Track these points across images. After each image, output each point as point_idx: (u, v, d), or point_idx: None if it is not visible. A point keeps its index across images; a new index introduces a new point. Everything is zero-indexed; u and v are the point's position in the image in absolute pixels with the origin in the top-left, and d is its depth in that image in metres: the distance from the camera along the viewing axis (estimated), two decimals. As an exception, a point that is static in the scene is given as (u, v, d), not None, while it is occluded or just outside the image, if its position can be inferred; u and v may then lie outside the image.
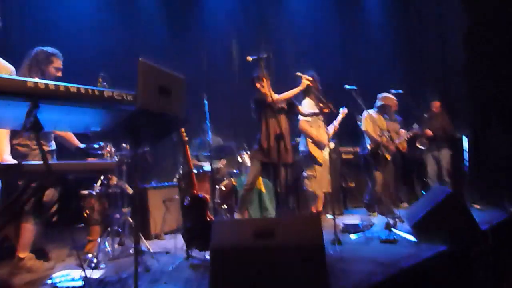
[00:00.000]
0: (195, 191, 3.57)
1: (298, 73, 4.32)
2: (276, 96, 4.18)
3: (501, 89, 6.40)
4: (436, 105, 6.64)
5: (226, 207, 5.05)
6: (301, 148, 5.17)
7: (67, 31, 5.53)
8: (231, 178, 5.35)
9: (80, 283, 2.89)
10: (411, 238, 3.94)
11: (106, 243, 3.71)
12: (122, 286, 2.81)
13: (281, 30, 7.59)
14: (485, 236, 3.89)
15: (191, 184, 3.59)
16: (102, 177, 3.76)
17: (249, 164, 5.06)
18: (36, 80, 1.80)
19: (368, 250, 3.71)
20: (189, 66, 6.50)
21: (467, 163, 6.31)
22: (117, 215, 3.84)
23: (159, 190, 4.96)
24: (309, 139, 4.93)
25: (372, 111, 5.54)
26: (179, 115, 2.39)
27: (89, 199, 3.73)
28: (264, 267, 2.49)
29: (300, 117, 4.89)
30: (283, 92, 4.29)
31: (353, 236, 4.27)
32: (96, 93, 1.96)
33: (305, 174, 5.06)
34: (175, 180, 5.37)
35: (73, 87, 1.88)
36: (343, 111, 5.16)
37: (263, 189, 5.15)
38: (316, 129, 4.99)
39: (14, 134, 3.12)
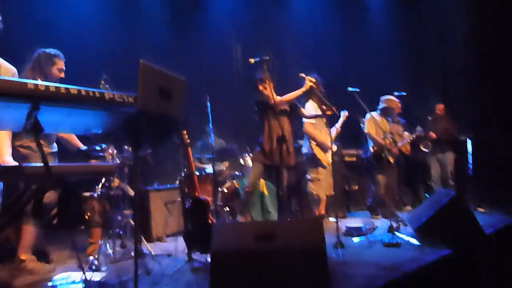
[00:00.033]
0: (196, 194, 3.56)
1: (302, 74, 4.30)
2: (278, 98, 4.17)
3: (503, 90, 6.37)
4: (440, 107, 6.61)
5: (228, 209, 5.04)
6: (304, 150, 5.15)
7: (67, 31, 5.53)
8: (234, 181, 5.34)
9: (80, 285, 2.88)
10: (414, 241, 3.91)
11: (108, 245, 3.70)
12: (122, 289, 2.80)
13: (283, 31, 7.59)
14: (489, 239, 3.85)
15: (193, 186, 3.58)
16: (103, 179, 3.76)
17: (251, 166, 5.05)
18: (37, 81, 1.80)
19: (370, 253, 3.68)
20: (192, 68, 6.52)
21: (471, 166, 6.26)
22: (119, 217, 3.83)
23: (161, 192, 4.95)
24: (314, 142, 4.92)
25: (375, 114, 5.52)
26: (180, 117, 2.38)
27: (91, 201, 3.73)
28: (265, 270, 2.47)
29: (304, 119, 4.88)
30: (285, 94, 4.28)
31: (355, 240, 4.24)
32: (97, 95, 1.95)
33: (308, 176, 5.04)
34: (177, 182, 5.36)
35: (73, 89, 1.88)
36: (344, 114, 5.14)
37: (266, 192, 5.13)
38: (319, 131, 4.98)
39: (16, 136, 3.12)
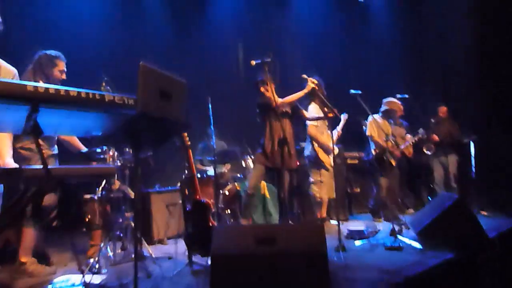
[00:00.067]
0: (197, 196, 3.54)
1: (304, 76, 4.28)
2: (279, 100, 4.15)
3: (504, 90, 6.35)
4: (443, 110, 6.59)
5: (229, 212, 5.02)
6: (307, 153, 5.13)
7: (68, 31, 5.52)
8: (235, 183, 5.32)
9: (80, 288, 2.87)
10: (417, 245, 3.88)
11: (108, 248, 3.69)
12: (122, 292, 2.78)
13: (284, 32, 7.59)
14: (492, 243, 3.82)
15: (194, 189, 3.57)
16: (104, 182, 3.75)
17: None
18: (36, 83, 1.79)
19: (372, 257, 3.65)
20: (193, 69, 6.52)
21: (474, 169, 6.22)
22: (120, 220, 3.82)
23: (163, 195, 4.94)
24: (317, 144, 4.91)
25: (377, 116, 5.50)
26: (180, 119, 2.37)
27: (91, 204, 3.73)
28: (265, 274, 2.45)
29: (308, 122, 4.87)
30: (286, 96, 4.26)
31: (357, 243, 4.21)
32: (97, 97, 1.94)
33: (311, 179, 5.02)
34: (178, 184, 5.34)
35: (73, 91, 1.87)
36: (344, 117, 5.13)
37: (267, 194, 5.12)
38: (321, 134, 4.97)
39: (17, 138, 3.12)
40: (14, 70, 2.90)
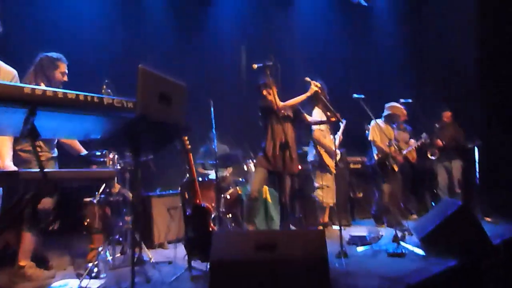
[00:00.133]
0: (197, 201, 3.52)
1: (307, 79, 4.25)
2: (281, 103, 4.12)
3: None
4: (447, 115, 6.54)
5: (231, 216, 4.99)
6: (310, 158, 5.10)
7: (68, 32, 5.49)
8: (237, 187, 5.29)
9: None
10: (420, 251, 3.83)
11: (108, 252, 3.66)
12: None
13: (287, 36, 7.56)
14: (496, 249, 3.77)
15: (194, 193, 3.54)
16: (104, 185, 3.73)
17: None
18: (34, 86, 1.77)
19: (375, 263, 3.61)
20: (196, 72, 6.51)
21: (478, 175, 6.16)
22: (120, 223, 3.80)
23: (164, 198, 4.92)
24: (322, 149, 4.89)
25: (379, 121, 5.46)
26: (180, 123, 2.35)
27: (91, 207, 3.70)
28: (265, 280, 2.42)
29: (313, 126, 4.85)
30: (289, 99, 4.24)
31: (359, 249, 4.17)
32: (96, 100, 1.92)
33: (316, 184, 4.98)
34: (179, 188, 5.32)
35: (71, 93, 1.84)
36: (342, 125, 5.11)
37: (269, 199, 5.08)
38: (324, 137, 4.95)
39: (17, 140, 3.10)
40: (14, 72, 2.89)
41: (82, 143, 3.59)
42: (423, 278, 3.05)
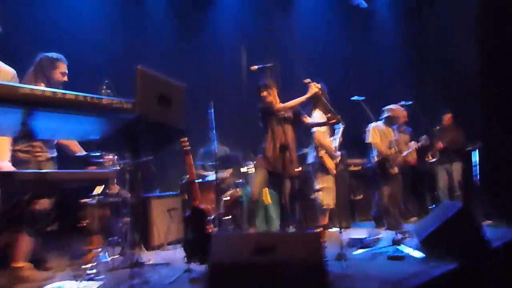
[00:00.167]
0: (196, 202, 3.50)
1: (307, 80, 4.23)
2: (281, 105, 4.11)
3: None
4: (447, 117, 6.52)
5: (230, 217, 4.97)
6: (311, 159, 5.08)
7: (68, 32, 5.49)
8: (237, 189, 5.27)
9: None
10: (419, 254, 3.81)
11: (106, 253, 3.64)
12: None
13: (288, 37, 7.54)
14: (496, 252, 3.75)
15: (193, 194, 3.53)
16: (103, 186, 3.71)
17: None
18: (31, 86, 1.76)
19: (374, 266, 3.58)
20: (196, 74, 6.51)
21: (477, 177, 6.14)
22: (119, 224, 3.78)
23: (163, 199, 4.91)
24: (324, 150, 4.87)
25: (379, 123, 5.44)
26: (179, 124, 2.33)
27: (90, 208, 3.67)
28: (264, 283, 2.40)
29: (314, 128, 4.83)
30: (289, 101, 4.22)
31: (359, 251, 4.15)
32: (94, 100, 1.92)
33: (317, 186, 4.95)
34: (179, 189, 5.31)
35: (69, 94, 1.84)
36: (342, 127, 5.09)
37: (269, 201, 5.05)
38: (324, 139, 4.93)
39: (16, 140, 3.09)
40: (13, 71, 2.88)
41: (81, 143, 3.57)
42: (422, 281, 3.04)
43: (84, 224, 3.55)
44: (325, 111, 4.61)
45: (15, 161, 2.99)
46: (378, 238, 4.64)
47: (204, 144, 5.86)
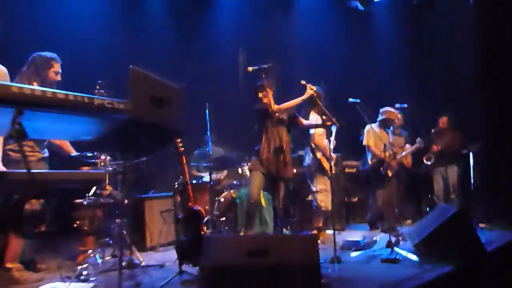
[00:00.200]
0: (190, 204, 3.47)
1: (303, 82, 4.22)
2: (276, 106, 4.09)
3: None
4: (443, 120, 6.52)
5: (225, 219, 4.94)
6: (308, 161, 5.06)
7: (68, 32, 5.45)
8: (231, 190, 5.24)
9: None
10: (414, 258, 3.80)
11: (97, 255, 3.60)
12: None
13: (286, 39, 7.55)
14: (491, 256, 3.75)
15: (187, 196, 3.50)
16: (95, 187, 3.67)
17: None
18: (21, 85, 1.74)
19: (368, 270, 3.57)
20: (195, 74, 6.48)
21: (472, 181, 6.14)
22: (111, 226, 3.75)
23: (156, 201, 4.86)
24: (321, 152, 4.86)
25: (374, 126, 5.43)
26: (173, 125, 2.31)
27: (82, 209, 3.63)
28: (257, 286, 2.38)
29: (311, 130, 4.82)
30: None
31: (353, 254, 4.13)
32: (86, 100, 1.89)
33: (314, 188, 4.94)
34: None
35: (60, 93, 1.81)
36: (335, 129, 5.09)
37: (263, 203, 5.02)
38: (321, 141, 4.94)
39: (7, 139, 3.05)
40: (4, 69, 2.85)
41: (73, 144, 3.54)
42: (416, 284, 3.03)
43: (76, 225, 3.51)
44: (321, 114, 4.60)
45: (6, 161, 2.95)
46: (373, 241, 4.62)
47: (198, 145, 5.84)
